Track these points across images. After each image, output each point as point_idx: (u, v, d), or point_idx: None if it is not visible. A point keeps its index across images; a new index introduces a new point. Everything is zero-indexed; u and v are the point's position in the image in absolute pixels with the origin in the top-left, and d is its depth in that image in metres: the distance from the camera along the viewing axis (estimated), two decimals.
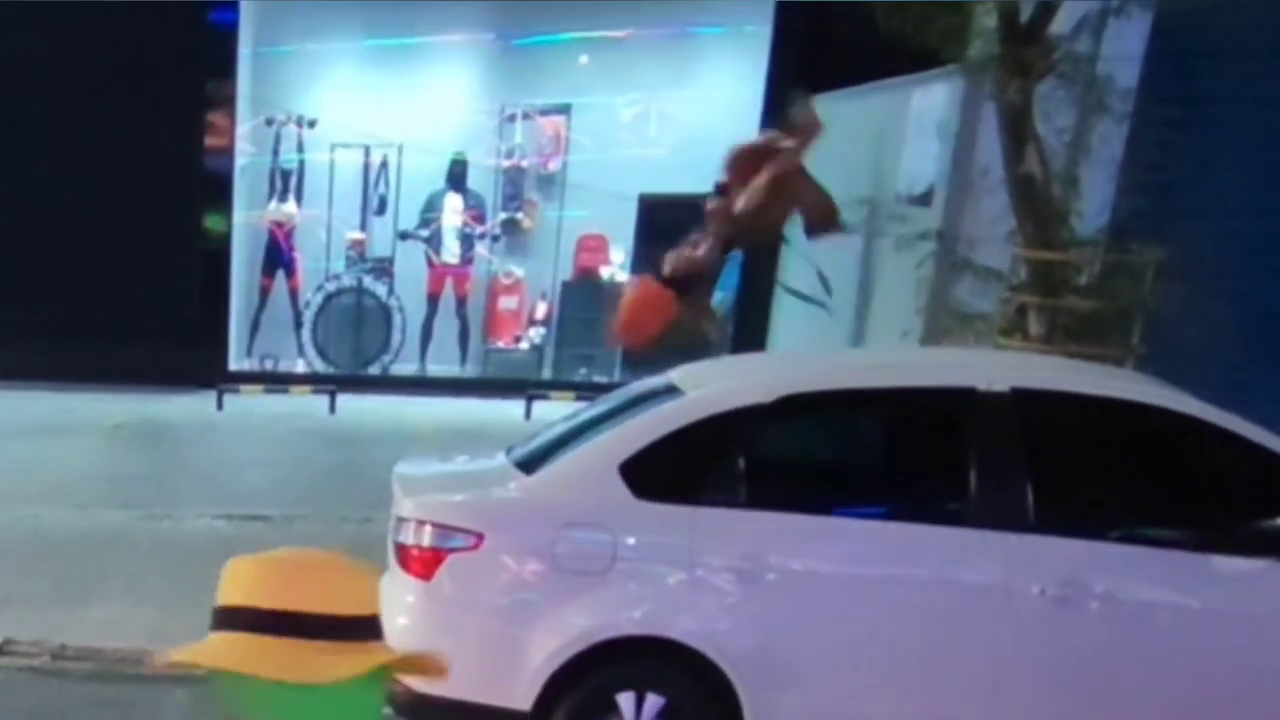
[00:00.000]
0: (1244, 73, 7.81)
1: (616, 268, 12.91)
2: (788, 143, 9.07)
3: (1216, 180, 8.02)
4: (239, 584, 1.39)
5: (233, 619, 1.38)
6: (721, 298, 10.29)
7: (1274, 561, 4.52)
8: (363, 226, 12.97)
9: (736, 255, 11.11)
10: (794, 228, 10.30)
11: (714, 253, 9.47)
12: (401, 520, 5.07)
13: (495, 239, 13.06)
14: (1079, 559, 4.57)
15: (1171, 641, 4.56)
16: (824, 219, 9.21)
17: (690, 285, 9.13)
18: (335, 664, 1.33)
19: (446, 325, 12.97)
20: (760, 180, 9.11)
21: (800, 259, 10.40)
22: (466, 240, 12.92)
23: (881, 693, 4.73)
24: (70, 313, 12.08)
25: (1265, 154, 7.92)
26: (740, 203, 9.31)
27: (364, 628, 1.39)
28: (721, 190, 9.60)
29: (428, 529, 4.92)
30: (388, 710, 2.12)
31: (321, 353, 12.94)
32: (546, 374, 12.91)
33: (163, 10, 11.43)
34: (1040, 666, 4.59)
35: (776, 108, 11.02)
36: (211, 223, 12.35)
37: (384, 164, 12.73)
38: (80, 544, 7.82)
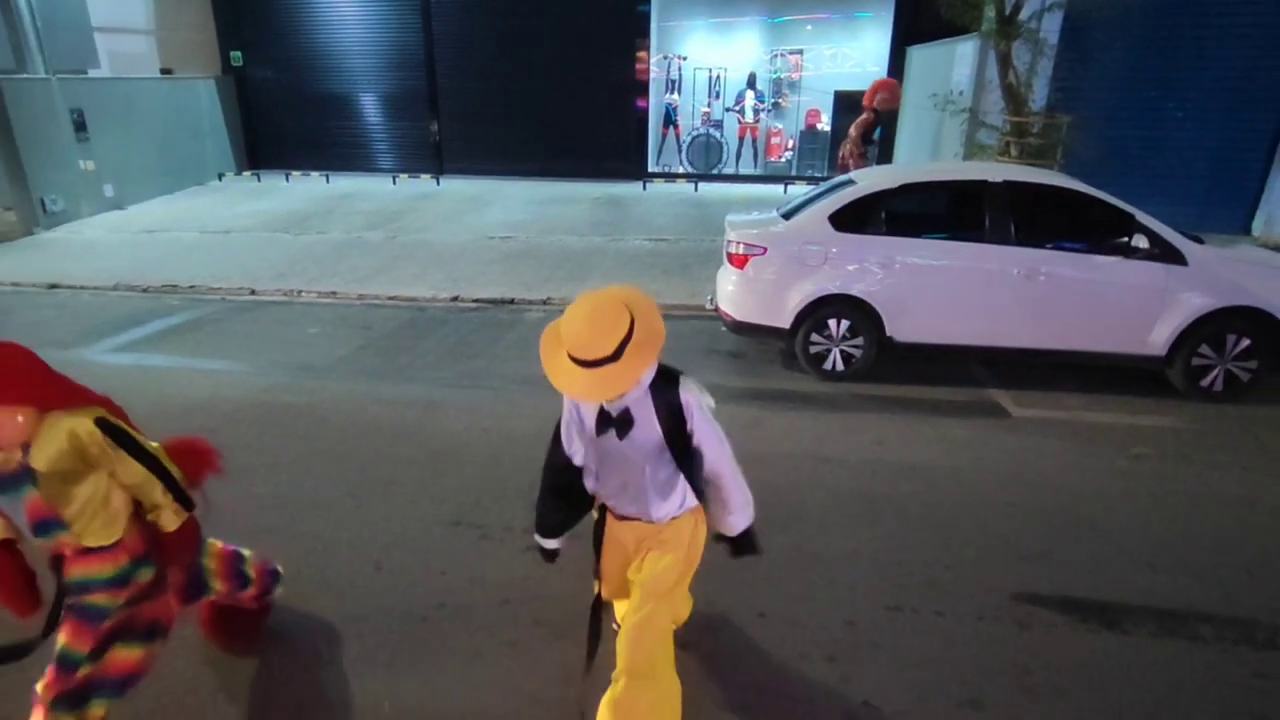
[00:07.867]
0: (1109, 38, 10.31)
1: (824, 124, 16.04)
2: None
3: (1096, 86, 10.60)
4: (573, 342, 2.10)
5: (576, 362, 2.17)
6: (871, 149, 9.93)
7: (1119, 258, 5.65)
8: (709, 105, 16.38)
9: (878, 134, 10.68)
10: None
11: (857, 146, 9.16)
12: (730, 241, 6.08)
13: (769, 112, 16.38)
14: (1035, 257, 5.61)
15: (1076, 293, 5.70)
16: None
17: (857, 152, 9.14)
18: (624, 372, 2.11)
19: (747, 151, 16.44)
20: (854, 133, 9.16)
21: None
22: (756, 113, 16.27)
23: (946, 318, 5.89)
24: (574, 146, 15.91)
25: (1118, 75, 10.58)
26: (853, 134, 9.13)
27: (620, 349, 2.13)
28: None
29: (742, 245, 6.01)
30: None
31: (691, 163, 16.39)
32: (794, 173, 16.08)
33: (615, 7, 15.17)
34: (1017, 307, 5.78)
35: (893, 56, 14.53)
36: (639, 103, 15.81)
37: (718, 77, 16.27)
38: (579, 254, 9.40)
